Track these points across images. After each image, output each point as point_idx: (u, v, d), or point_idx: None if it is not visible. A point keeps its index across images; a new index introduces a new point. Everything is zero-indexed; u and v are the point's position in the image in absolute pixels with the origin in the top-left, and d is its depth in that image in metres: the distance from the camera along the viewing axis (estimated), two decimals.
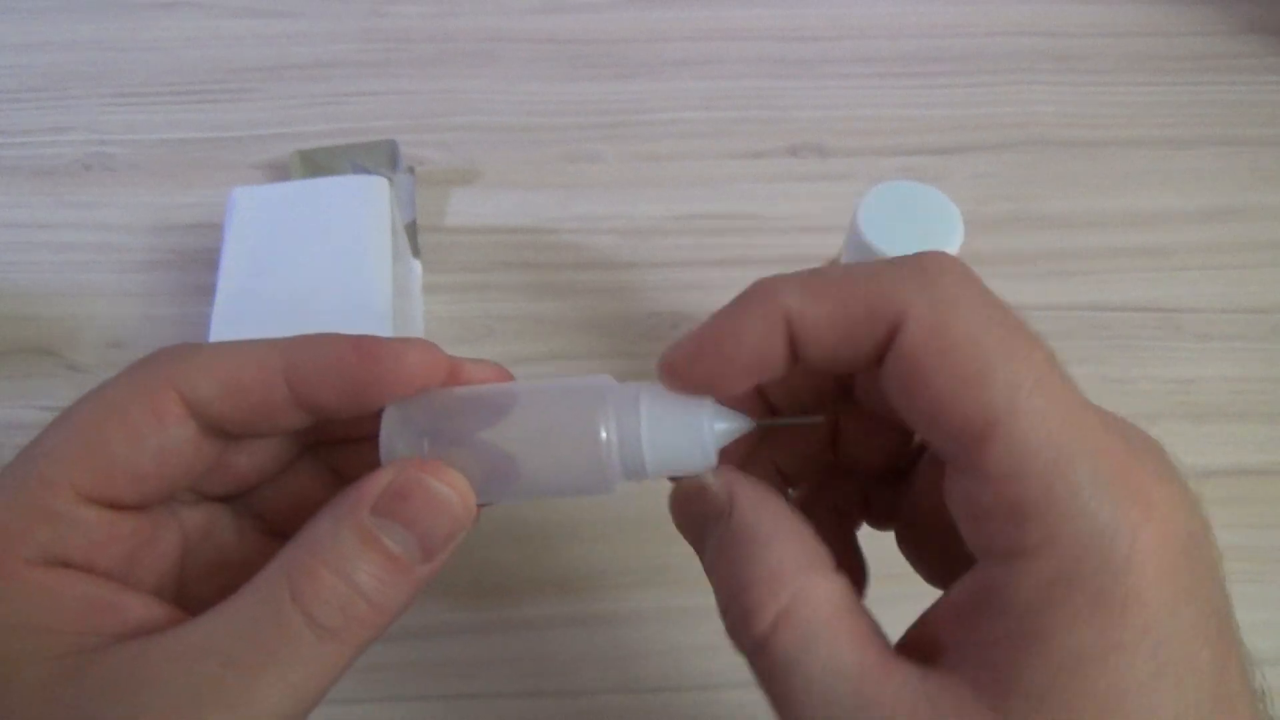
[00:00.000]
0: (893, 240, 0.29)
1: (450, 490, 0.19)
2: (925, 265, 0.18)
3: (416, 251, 0.44)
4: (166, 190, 0.47)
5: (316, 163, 0.47)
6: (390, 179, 0.40)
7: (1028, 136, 0.50)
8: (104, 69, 0.52)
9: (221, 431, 0.20)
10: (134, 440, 0.19)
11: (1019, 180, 0.48)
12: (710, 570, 0.19)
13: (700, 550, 0.20)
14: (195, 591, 0.21)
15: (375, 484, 0.19)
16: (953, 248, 0.29)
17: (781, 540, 0.18)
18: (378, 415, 0.21)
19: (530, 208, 0.46)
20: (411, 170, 0.47)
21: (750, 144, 0.49)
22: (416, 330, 0.41)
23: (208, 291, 0.36)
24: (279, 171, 0.47)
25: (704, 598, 0.38)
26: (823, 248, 0.45)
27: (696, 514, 0.20)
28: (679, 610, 0.35)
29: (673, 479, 0.21)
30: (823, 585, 0.18)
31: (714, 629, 0.35)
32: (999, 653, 0.16)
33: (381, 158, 0.47)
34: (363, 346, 0.20)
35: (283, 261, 0.37)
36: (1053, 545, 0.16)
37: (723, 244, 0.45)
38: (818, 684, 0.17)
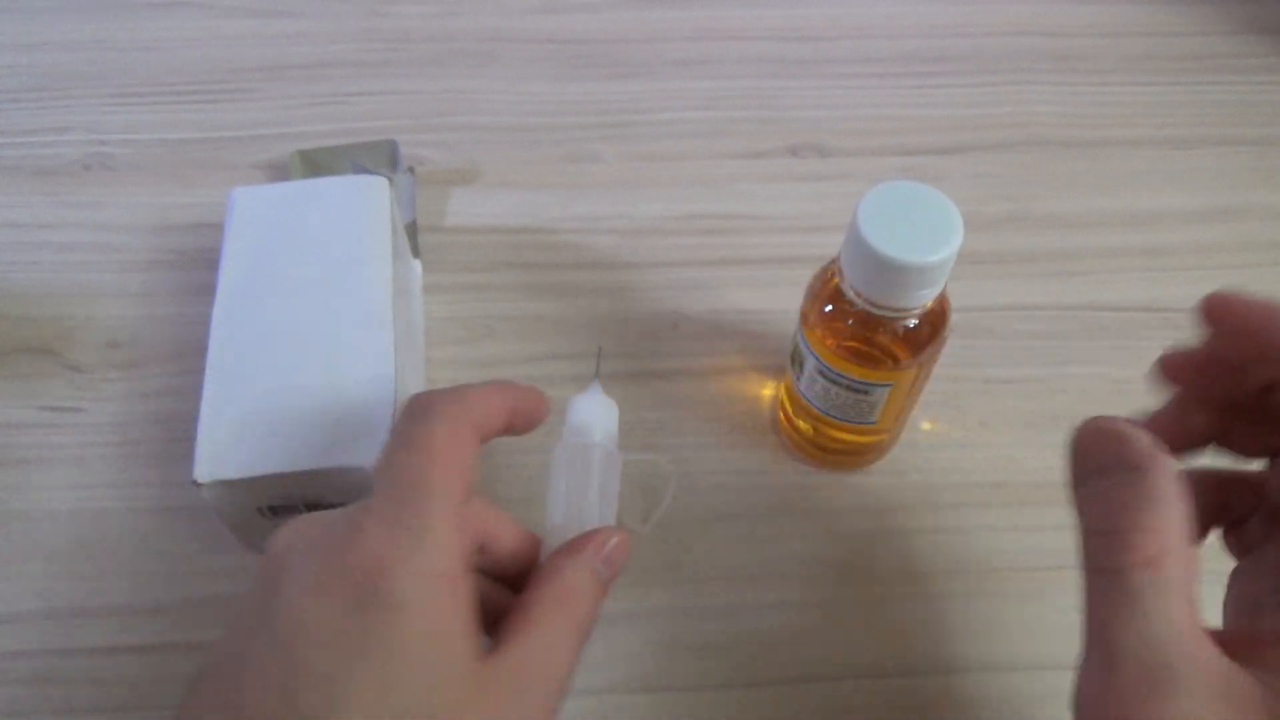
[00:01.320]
0: (892, 241, 0.29)
1: (625, 543, 0.28)
2: None
3: (416, 251, 0.44)
4: (166, 190, 0.47)
5: (316, 163, 0.47)
6: (390, 179, 0.40)
7: (1028, 136, 0.50)
8: (104, 69, 0.52)
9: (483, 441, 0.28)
10: (468, 459, 0.26)
11: (1019, 180, 0.48)
12: (1088, 499, 0.23)
13: (1082, 478, 0.23)
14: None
15: (599, 543, 0.28)
16: (952, 248, 0.29)
17: (1176, 509, 0.21)
18: None
19: (530, 208, 0.46)
20: (411, 170, 0.47)
21: (750, 144, 0.49)
22: (417, 330, 0.41)
23: (208, 291, 0.36)
24: (279, 171, 0.47)
25: (704, 598, 0.38)
26: (823, 248, 0.45)
27: (1102, 452, 0.23)
28: (679, 610, 0.35)
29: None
30: (1187, 556, 0.21)
31: (714, 629, 0.34)
32: None
33: (381, 158, 0.47)
34: (535, 399, 0.29)
35: (283, 261, 0.37)
36: None
37: (723, 244, 0.45)
38: (1153, 618, 0.20)
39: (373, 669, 0.22)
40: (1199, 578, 0.21)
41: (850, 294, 0.31)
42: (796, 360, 0.35)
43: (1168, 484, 0.21)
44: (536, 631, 0.25)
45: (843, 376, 0.33)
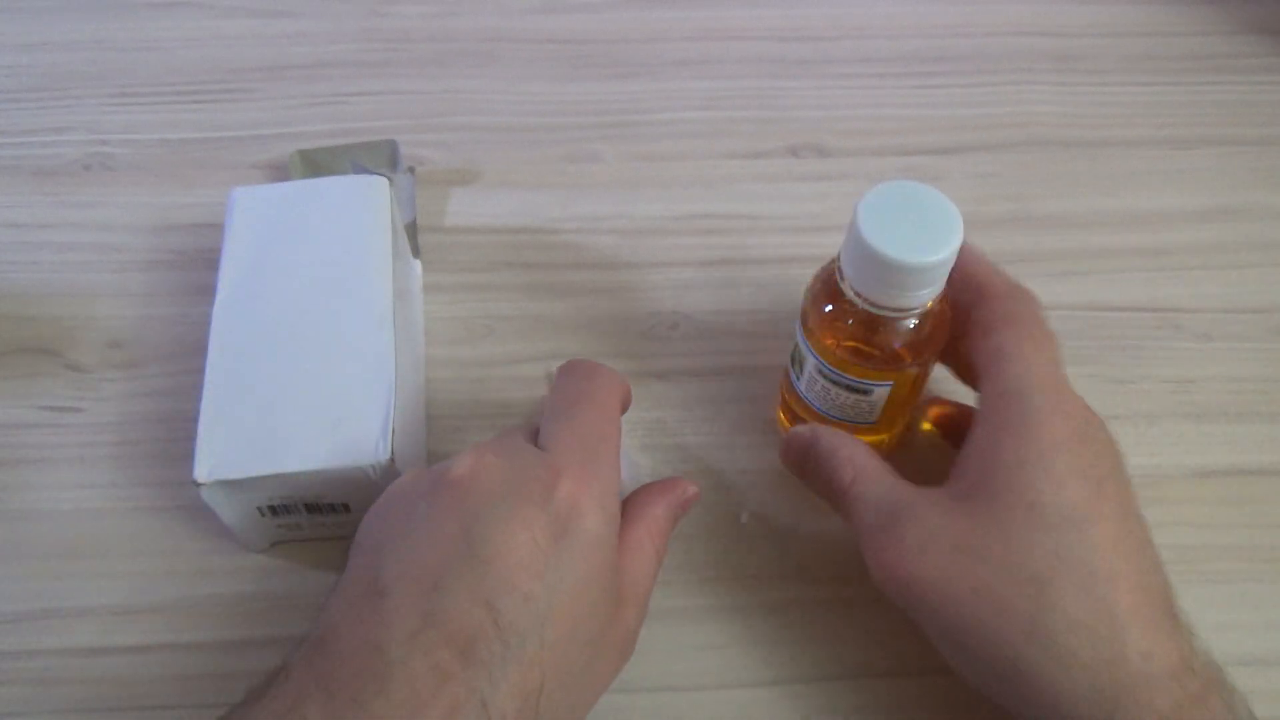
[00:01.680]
0: (893, 240, 0.29)
1: (696, 494, 0.34)
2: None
3: (416, 251, 0.44)
4: (166, 190, 0.47)
5: (316, 163, 0.47)
6: (390, 179, 0.40)
7: (1028, 136, 0.50)
8: (104, 69, 0.52)
9: None
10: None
11: (1019, 180, 0.48)
12: (812, 473, 0.33)
13: (801, 471, 0.34)
14: None
15: (682, 487, 0.33)
16: (952, 248, 0.29)
17: (850, 446, 0.32)
18: None
19: (530, 208, 0.46)
20: (411, 170, 0.47)
21: (750, 144, 0.49)
22: (417, 330, 0.41)
23: (208, 291, 0.36)
24: (279, 171, 0.47)
25: (704, 598, 0.38)
26: (823, 248, 0.45)
27: (795, 449, 0.34)
28: (679, 610, 0.35)
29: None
30: (875, 460, 0.32)
31: (714, 629, 0.34)
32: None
33: (381, 158, 0.47)
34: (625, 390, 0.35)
35: (283, 261, 0.37)
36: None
37: (723, 244, 0.45)
38: (873, 499, 0.31)
39: (569, 590, 0.26)
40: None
41: (850, 294, 0.31)
42: (796, 360, 0.35)
43: (832, 440, 0.32)
44: (634, 557, 0.30)
45: (843, 376, 0.33)
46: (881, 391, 0.33)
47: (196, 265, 0.44)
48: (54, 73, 0.51)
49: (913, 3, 0.56)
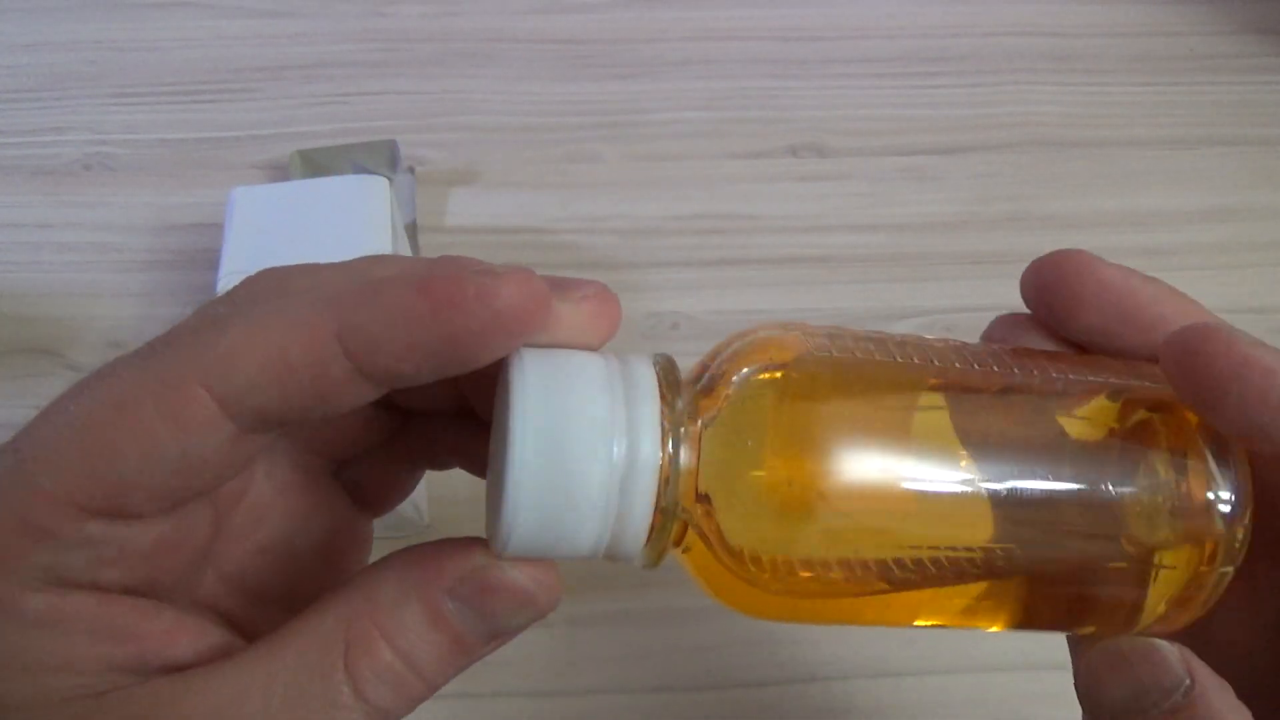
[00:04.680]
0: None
1: (536, 584, 0.17)
2: None
3: (416, 251, 0.44)
4: (166, 190, 0.47)
5: (316, 163, 0.47)
6: (390, 179, 0.39)
7: (1028, 136, 0.50)
8: (104, 69, 0.52)
9: (266, 421, 0.16)
10: (149, 449, 0.16)
11: (1019, 180, 0.48)
12: None
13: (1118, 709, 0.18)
14: (238, 562, 0.19)
15: (458, 564, 0.17)
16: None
17: None
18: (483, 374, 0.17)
19: (530, 208, 0.46)
20: (411, 170, 0.47)
21: (750, 144, 0.49)
22: None
23: (208, 291, 0.36)
24: (279, 171, 0.47)
25: (704, 598, 0.38)
26: (823, 248, 0.45)
27: (1134, 681, 0.17)
28: (679, 610, 0.35)
29: (1096, 638, 0.19)
30: None
31: (714, 629, 0.34)
32: None
33: (381, 158, 0.47)
34: (432, 290, 0.16)
35: (283, 261, 0.36)
36: None
37: (723, 244, 0.45)
38: None
39: None
40: None
41: None
42: None
43: (1222, 702, 0.17)
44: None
45: None
46: None
47: (196, 265, 0.44)
48: (54, 73, 0.51)
49: (913, 3, 0.56)
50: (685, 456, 0.17)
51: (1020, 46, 0.54)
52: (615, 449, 0.16)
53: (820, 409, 0.18)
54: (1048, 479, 0.18)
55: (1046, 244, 0.46)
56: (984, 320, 0.47)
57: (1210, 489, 0.18)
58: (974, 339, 0.47)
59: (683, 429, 0.17)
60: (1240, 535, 0.18)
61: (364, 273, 0.17)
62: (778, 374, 0.18)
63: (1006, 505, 0.18)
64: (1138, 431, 0.19)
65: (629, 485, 0.16)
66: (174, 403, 0.16)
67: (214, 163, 0.48)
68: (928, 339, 0.20)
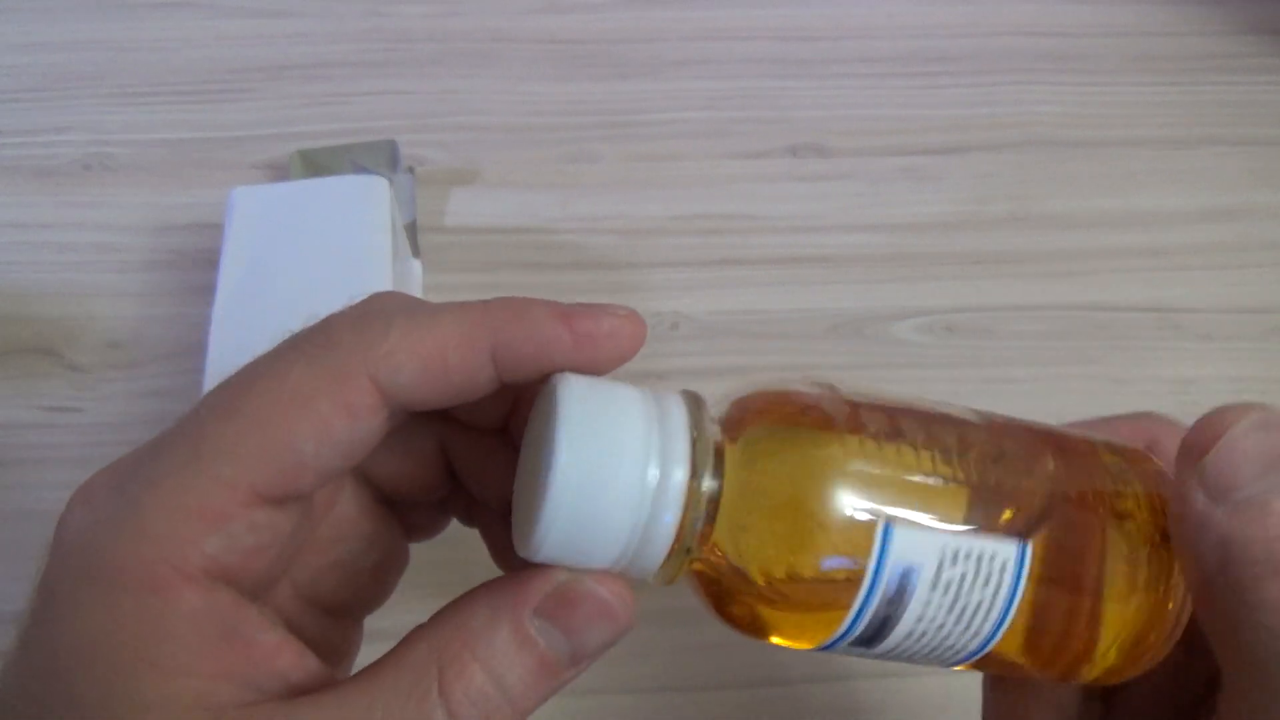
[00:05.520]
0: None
1: (617, 599, 0.18)
2: None
3: (416, 251, 0.44)
4: (166, 190, 0.47)
5: (316, 163, 0.47)
6: (390, 179, 0.40)
7: (1028, 136, 0.50)
8: (104, 69, 0.52)
9: (410, 409, 0.19)
10: (324, 437, 0.17)
11: (1019, 180, 0.48)
12: None
13: None
14: (314, 572, 0.21)
15: (542, 583, 0.18)
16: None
17: None
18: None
19: (530, 208, 0.46)
20: (411, 170, 0.47)
21: (750, 144, 0.49)
22: None
23: (208, 291, 0.36)
24: (279, 171, 0.47)
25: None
26: (823, 248, 0.45)
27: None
28: (679, 610, 0.35)
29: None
30: None
31: (715, 628, 0.35)
32: None
33: (381, 158, 0.47)
34: (574, 322, 0.19)
35: (283, 261, 0.37)
36: None
37: (723, 244, 0.45)
38: None
39: None
40: None
41: None
42: None
43: None
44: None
45: None
46: None
47: (196, 265, 0.44)
48: (54, 73, 0.51)
49: (913, 3, 0.56)
50: (709, 485, 0.18)
51: (1020, 46, 0.54)
52: (650, 472, 0.18)
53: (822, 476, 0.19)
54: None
55: (1046, 244, 0.46)
56: (983, 319, 0.47)
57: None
58: (974, 339, 0.47)
59: (707, 465, 0.18)
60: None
61: (505, 301, 0.20)
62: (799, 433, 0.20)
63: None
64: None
65: (658, 507, 0.18)
66: (347, 395, 0.18)
67: (214, 163, 0.48)
68: (954, 415, 0.21)
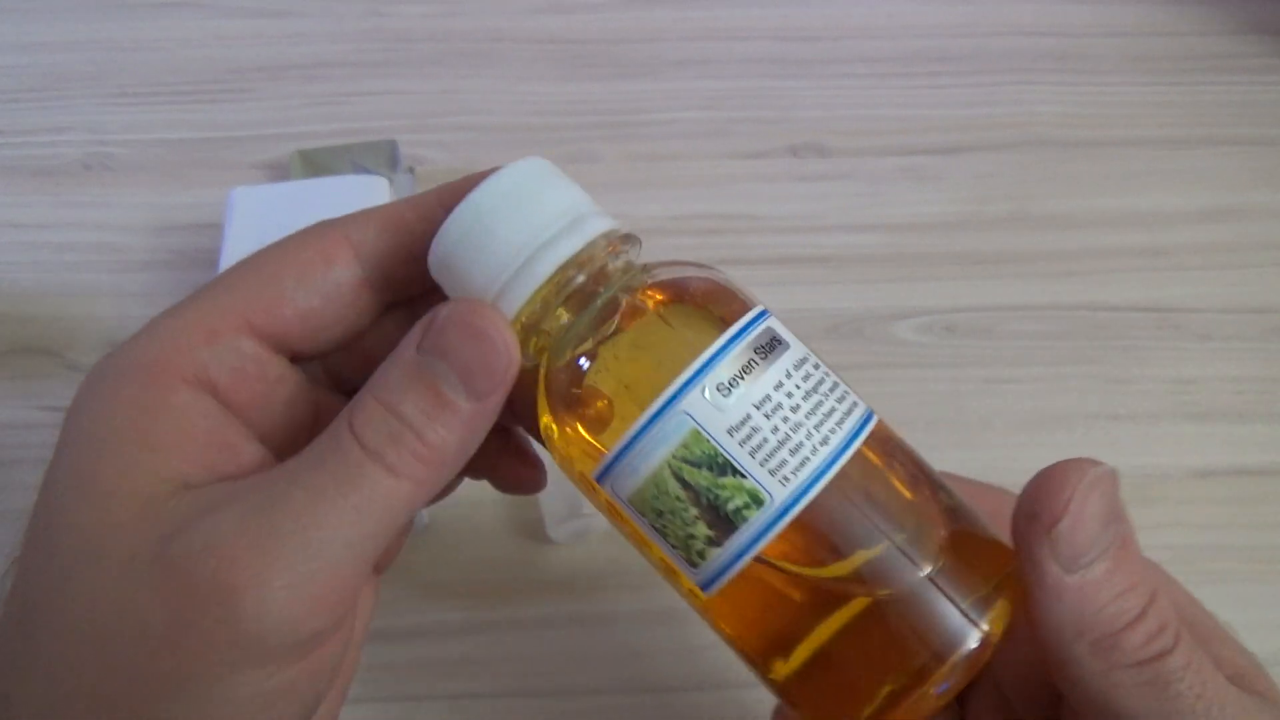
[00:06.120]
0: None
1: (489, 324, 0.20)
2: None
3: None
4: (166, 190, 0.47)
5: (316, 163, 0.47)
6: (390, 179, 0.40)
7: (1028, 136, 0.50)
8: (104, 69, 0.52)
9: (382, 281, 0.22)
10: (303, 276, 0.21)
11: (1019, 180, 0.48)
12: None
13: None
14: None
15: (421, 324, 0.20)
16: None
17: None
18: None
19: None
20: (411, 170, 0.47)
21: (750, 144, 0.49)
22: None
23: None
24: (279, 171, 0.47)
25: None
26: (823, 248, 0.45)
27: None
28: (679, 610, 0.35)
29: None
30: None
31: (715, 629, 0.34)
32: None
33: (381, 158, 0.47)
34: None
35: None
36: None
37: (723, 244, 0.45)
38: None
39: None
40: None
41: None
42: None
43: None
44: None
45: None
46: None
47: (196, 265, 0.44)
48: (54, 73, 0.51)
49: (913, 3, 0.56)
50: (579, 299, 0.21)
51: (1020, 46, 0.54)
52: (546, 232, 0.21)
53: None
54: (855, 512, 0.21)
55: (1046, 244, 0.46)
56: (983, 319, 0.47)
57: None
58: (974, 339, 0.47)
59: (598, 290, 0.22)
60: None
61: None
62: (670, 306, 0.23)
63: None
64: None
65: (535, 259, 0.21)
66: (325, 246, 0.22)
67: (214, 163, 0.48)
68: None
